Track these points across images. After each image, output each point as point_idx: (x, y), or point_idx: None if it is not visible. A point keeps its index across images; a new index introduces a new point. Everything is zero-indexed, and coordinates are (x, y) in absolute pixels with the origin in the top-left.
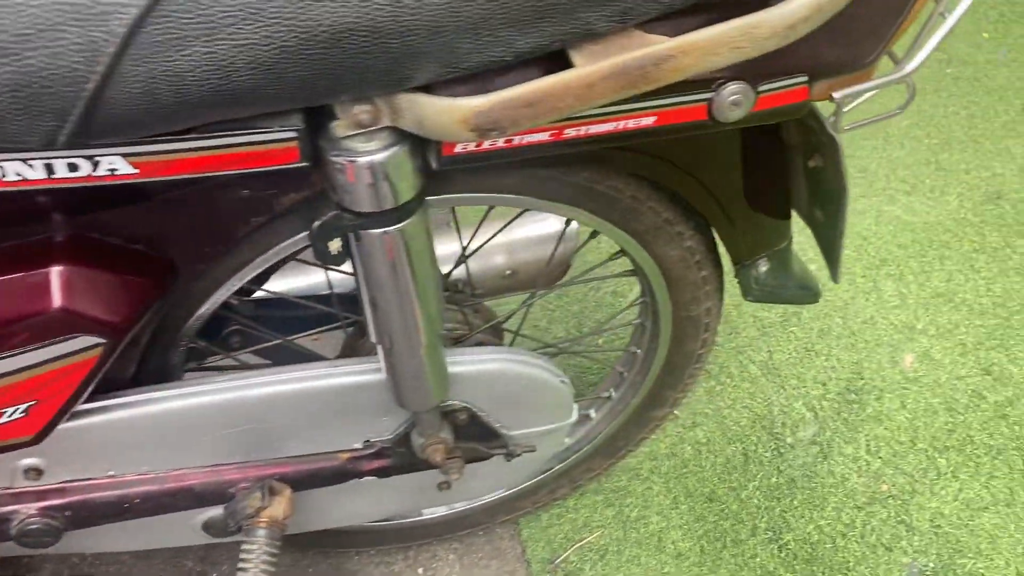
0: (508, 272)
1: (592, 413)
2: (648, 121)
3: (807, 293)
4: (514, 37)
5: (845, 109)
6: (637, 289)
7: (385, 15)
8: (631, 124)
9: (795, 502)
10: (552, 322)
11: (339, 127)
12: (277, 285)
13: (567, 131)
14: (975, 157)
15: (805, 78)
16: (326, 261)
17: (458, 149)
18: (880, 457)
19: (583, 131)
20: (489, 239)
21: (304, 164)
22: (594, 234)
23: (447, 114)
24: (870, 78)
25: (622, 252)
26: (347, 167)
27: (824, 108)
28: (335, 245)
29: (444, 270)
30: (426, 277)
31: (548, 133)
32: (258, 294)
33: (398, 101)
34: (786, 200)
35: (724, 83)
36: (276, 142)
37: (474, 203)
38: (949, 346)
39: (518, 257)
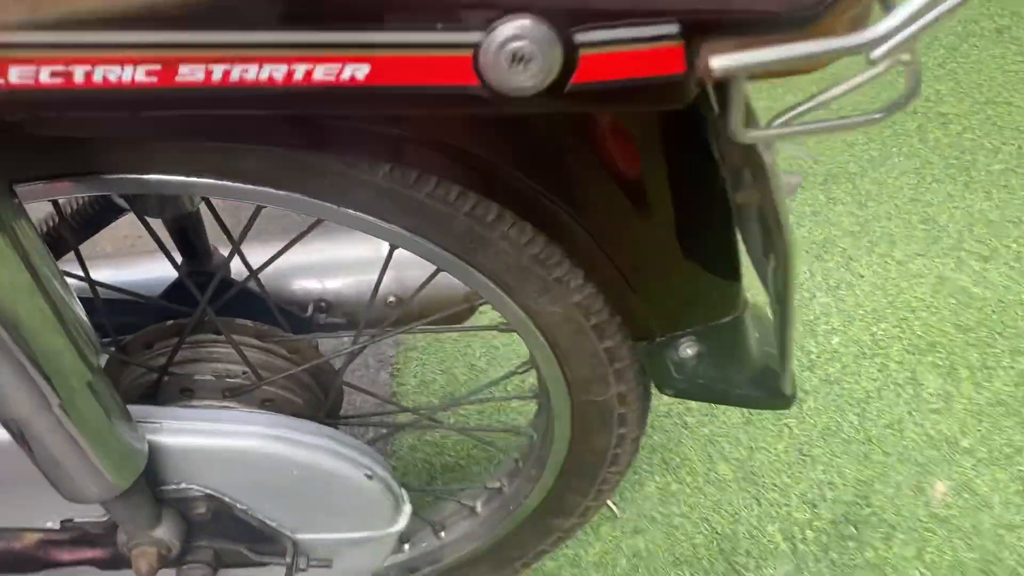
0: (391, 299)
1: (478, 507)
2: (356, 73)
3: (770, 396)
4: None
5: (789, 115)
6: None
7: None
8: (320, 75)
9: None
10: (429, 380)
11: None
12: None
13: (182, 68)
14: None
15: (676, 29)
16: None
17: None
18: None
19: (216, 73)
20: (279, 254)
21: None
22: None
23: None
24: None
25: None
26: None
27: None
28: None
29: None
30: (22, 295)
31: (143, 69)
32: None
33: None
34: (730, 250)
35: (500, 17)
36: None
37: (175, 191)
38: (1003, 479)
39: (406, 278)
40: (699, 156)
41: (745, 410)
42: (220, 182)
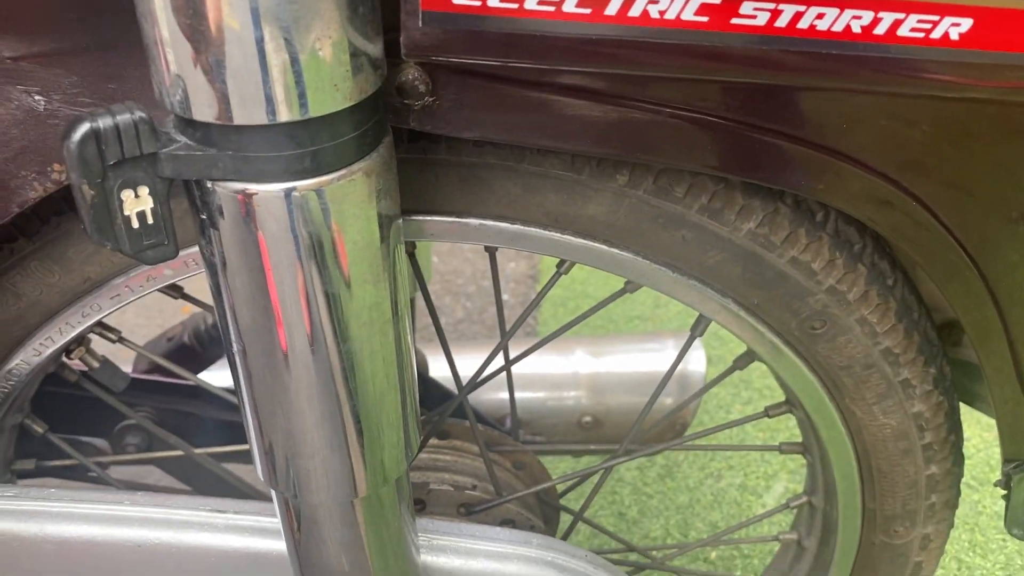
0: (586, 420)
1: None
2: (950, 31)
3: None
4: None
5: None
6: (794, 477)
7: None
8: (905, 30)
9: None
10: (645, 513)
11: None
12: None
13: (744, 5)
14: None
15: None
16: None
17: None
18: None
19: (784, 16)
20: (533, 349)
21: None
22: (745, 360)
23: None
24: None
25: (787, 405)
26: None
27: None
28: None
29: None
30: (378, 334)
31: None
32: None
33: None
34: None
35: None
36: None
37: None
38: None
39: (606, 399)
40: None
41: None
42: (541, 232)
